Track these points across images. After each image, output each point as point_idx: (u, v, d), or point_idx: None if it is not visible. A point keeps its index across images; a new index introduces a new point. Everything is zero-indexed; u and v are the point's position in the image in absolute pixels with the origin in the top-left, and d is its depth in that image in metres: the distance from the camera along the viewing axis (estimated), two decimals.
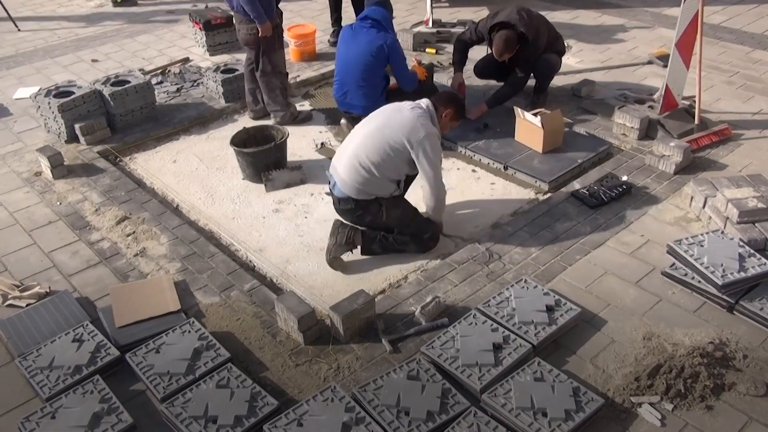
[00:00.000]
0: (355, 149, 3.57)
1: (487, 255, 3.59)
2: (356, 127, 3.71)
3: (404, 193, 3.81)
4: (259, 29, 4.69)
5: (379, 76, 4.68)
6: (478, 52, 5.43)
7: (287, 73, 5.20)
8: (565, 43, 6.24)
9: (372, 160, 3.50)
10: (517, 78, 4.93)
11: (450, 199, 4.22)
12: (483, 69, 5.35)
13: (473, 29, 5.06)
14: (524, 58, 4.84)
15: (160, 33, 7.25)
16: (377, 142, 3.51)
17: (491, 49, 4.86)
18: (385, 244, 3.69)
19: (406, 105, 3.63)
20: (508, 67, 4.99)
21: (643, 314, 3.19)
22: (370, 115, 3.71)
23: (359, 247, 3.69)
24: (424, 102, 3.66)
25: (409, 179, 3.78)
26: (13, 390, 2.93)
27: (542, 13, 5.38)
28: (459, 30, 6.52)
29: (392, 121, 3.55)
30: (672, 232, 3.74)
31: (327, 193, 4.01)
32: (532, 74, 5.07)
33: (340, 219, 3.74)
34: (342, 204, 3.66)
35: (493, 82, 5.40)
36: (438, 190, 3.65)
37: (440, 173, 3.62)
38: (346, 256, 3.71)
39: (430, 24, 6.77)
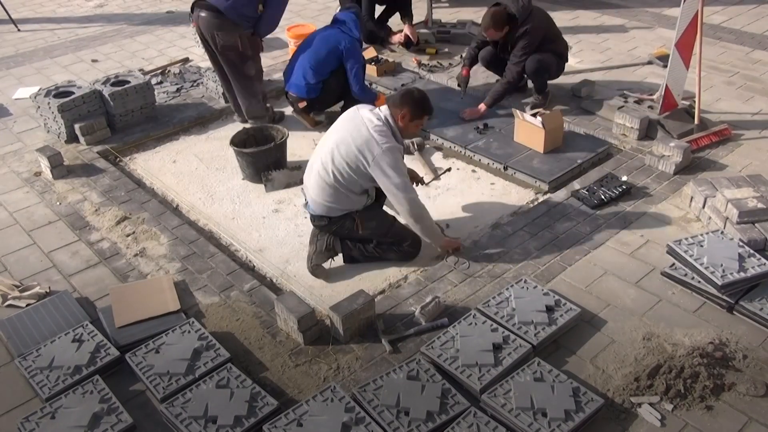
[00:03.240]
0: (319, 167, 3.42)
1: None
2: (321, 140, 3.57)
3: (381, 203, 3.72)
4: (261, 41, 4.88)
5: (325, 70, 4.87)
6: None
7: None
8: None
9: (335, 177, 3.36)
10: (509, 72, 4.90)
11: (450, 199, 4.24)
12: (489, 59, 5.23)
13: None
14: (517, 46, 4.81)
15: (159, 33, 7.25)
16: (337, 159, 3.34)
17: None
18: (365, 252, 3.64)
19: (364, 115, 3.38)
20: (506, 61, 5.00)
21: (643, 314, 3.19)
22: (333, 126, 3.53)
23: (340, 254, 3.66)
24: (384, 110, 3.40)
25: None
26: (13, 390, 2.93)
27: None
28: (459, 30, 6.53)
29: (348, 136, 3.34)
30: (672, 232, 3.74)
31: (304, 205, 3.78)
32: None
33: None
34: (316, 221, 3.59)
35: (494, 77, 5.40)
36: (411, 208, 3.37)
37: (407, 189, 3.35)
38: (329, 264, 3.67)
39: (430, 24, 6.77)
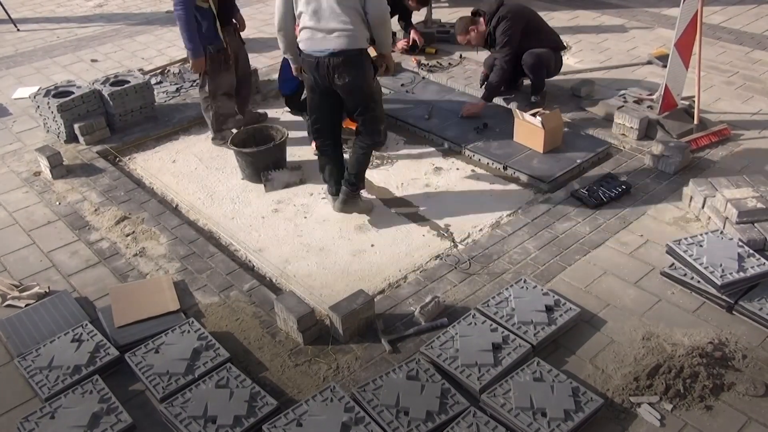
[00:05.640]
0: (330, 4, 3.48)
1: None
2: None
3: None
4: (191, 62, 4.47)
5: None
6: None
7: (232, 96, 4.84)
8: (565, 43, 6.24)
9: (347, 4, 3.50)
10: (498, 61, 4.92)
11: (450, 199, 4.24)
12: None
13: None
14: (498, 36, 4.87)
15: (159, 33, 7.26)
16: None
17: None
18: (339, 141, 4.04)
19: None
20: (513, 77, 5.10)
21: (643, 314, 3.19)
22: None
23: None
24: None
25: None
26: (13, 390, 2.93)
27: (542, 13, 5.38)
28: None
29: None
30: (671, 232, 3.74)
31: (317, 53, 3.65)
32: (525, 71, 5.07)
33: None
34: (334, 58, 3.54)
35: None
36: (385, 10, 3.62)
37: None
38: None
39: (429, 24, 6.77)
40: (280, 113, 5.45)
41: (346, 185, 4.00)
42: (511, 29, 4.82)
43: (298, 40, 3.68)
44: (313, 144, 4.06)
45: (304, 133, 5.08)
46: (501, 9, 4.85)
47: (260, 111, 5.32)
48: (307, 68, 3.71)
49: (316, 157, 4.74)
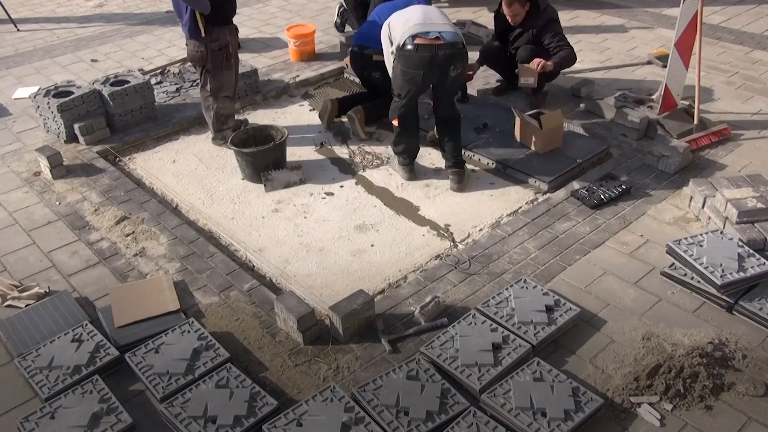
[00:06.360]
0: (437, 12, 4.18)
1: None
2: (409, 10, 4.19)
3: None
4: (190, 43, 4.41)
5: None
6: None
7: (233, 97, 4.80)
8: None
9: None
10: (558, 44, 4.80)
11: (450, 199, 4.25)
12: (494, 55, 5.28)
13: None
14: (547, 36, 4.80)
15: (159, 33, 7.25)
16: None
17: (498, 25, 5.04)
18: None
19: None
20: (512, 58, 5.04)
21: (643, 314, 3.19)
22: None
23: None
24: None
25: None
26: (13, 390, 2.93)
27: None
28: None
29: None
30: (671, 232, 3.74)
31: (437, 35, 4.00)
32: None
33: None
34: (454, 48, 3.99)
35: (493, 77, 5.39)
36: None
37: None
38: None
39: None
40: (280, 114, 5.45)
41: (458, 165, 4.35)
42: (560, 35, 4.82)
43: (402, 39, 4.01)
44: (395, 121, 4.37)
45: (304, 133, 5.09)
46: (548, 10, 4.82)
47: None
48: (416, 65, 4.01)
49: (316, 157, 4.77)
